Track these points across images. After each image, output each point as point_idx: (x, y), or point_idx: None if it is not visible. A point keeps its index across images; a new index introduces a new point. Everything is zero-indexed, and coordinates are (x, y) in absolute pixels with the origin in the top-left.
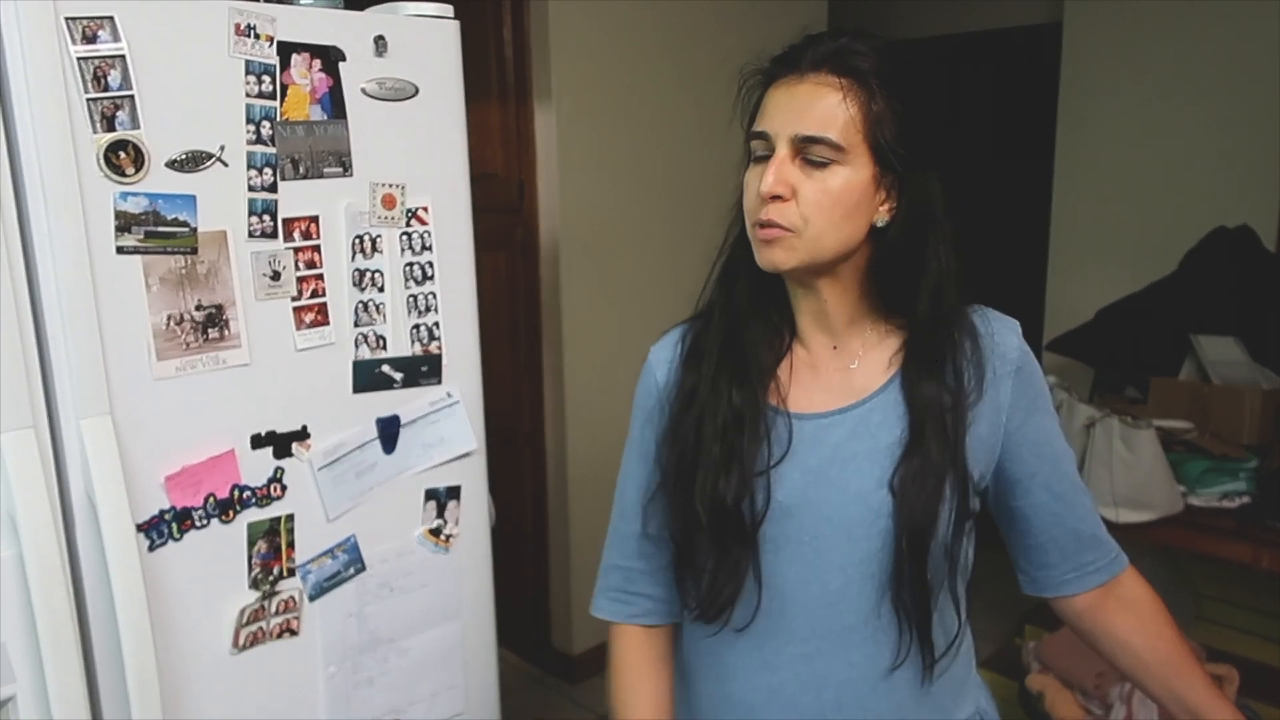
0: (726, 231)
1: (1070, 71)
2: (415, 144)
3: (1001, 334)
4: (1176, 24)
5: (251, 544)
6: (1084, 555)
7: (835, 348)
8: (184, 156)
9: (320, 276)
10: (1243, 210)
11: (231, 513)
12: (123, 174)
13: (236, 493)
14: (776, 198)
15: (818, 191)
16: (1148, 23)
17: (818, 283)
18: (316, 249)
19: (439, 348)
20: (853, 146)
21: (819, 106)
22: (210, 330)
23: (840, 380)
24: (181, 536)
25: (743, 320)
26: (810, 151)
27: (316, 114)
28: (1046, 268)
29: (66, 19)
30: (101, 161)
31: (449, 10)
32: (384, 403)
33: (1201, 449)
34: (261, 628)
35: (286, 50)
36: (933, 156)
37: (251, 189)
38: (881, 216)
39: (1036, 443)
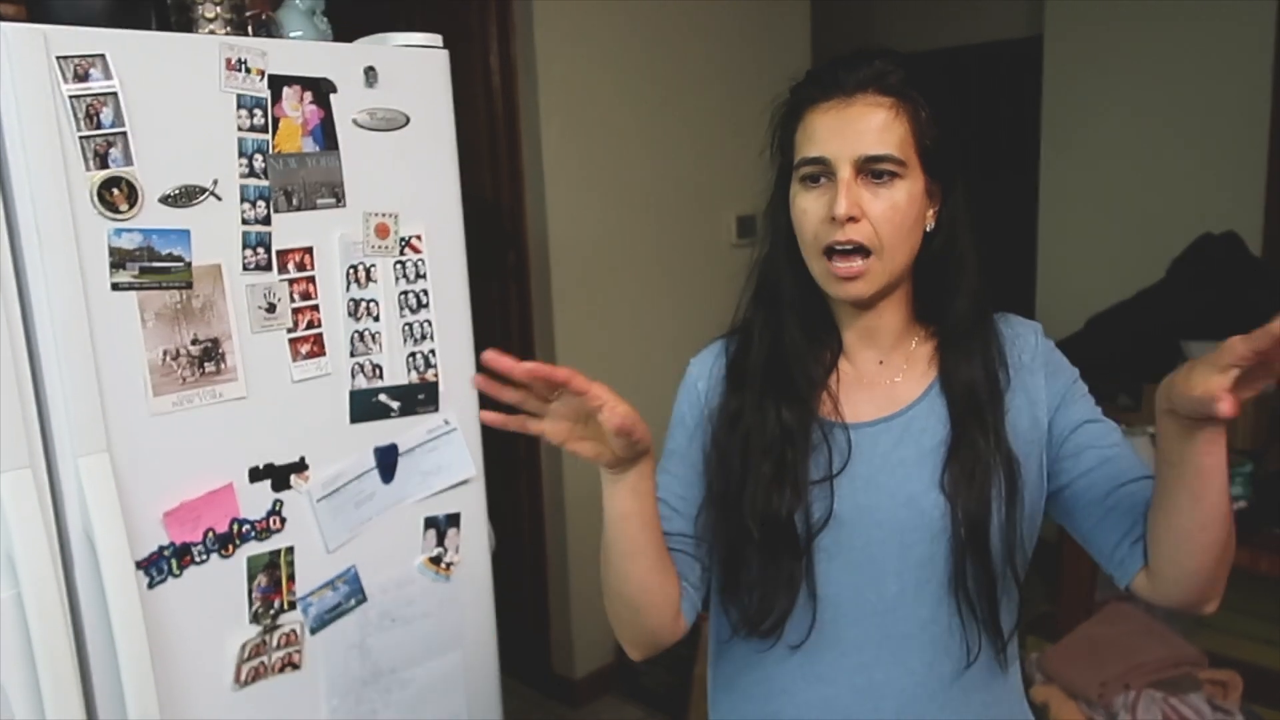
0: (759, 249)
1: (1053, 84)
2: (407, 173)
3: (1025, 334)
4: (1158, 33)
5: (252, 578)
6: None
7: (881, 362)
8: (177, 191)
9: (315, 307)
10: (1228, 217)
11: (231, 547)
12: (116, 210)
13: (236, 527)
14: (851, 219)
15: (887, 208)
16: (1129, 33)
17: (879, 301)
18: (311, 280)
19: (435, 375)
20: (909, 160)
21: (875, 126)
22: (207, 364)
23: (884, 392)
24: (181, 573)
25: (789, 341)
26: (874, 170)
27: (309, 146)
28: (1035, 279)
29: (58, 58)
30: (95, 199)
31: (438, 40)
32: (382, 432)
33: None
34: (263, 662)
35: (277, 83)
36: (963, 160)
37: (245, 222)
38: (929, 223)
39: (1069, 408)
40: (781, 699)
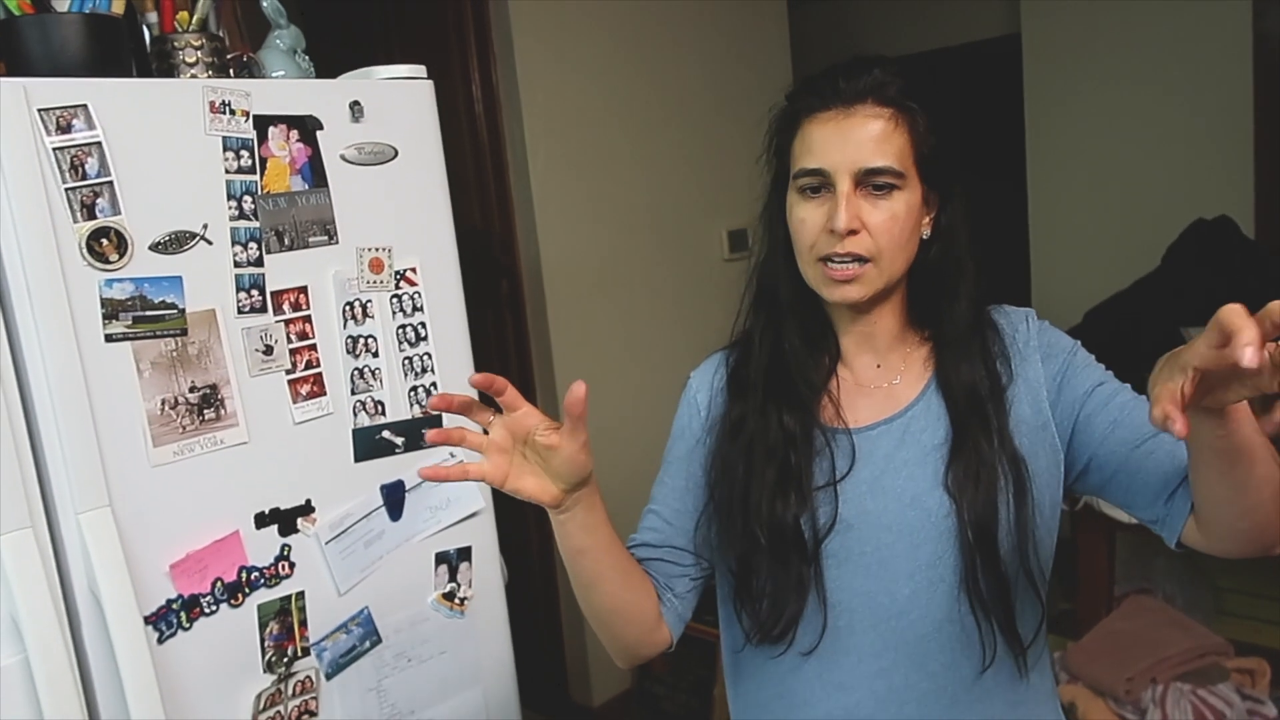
0: (754, 260)
1: (1033, 80)
2: (399, 206)
3: (1019, 322)
4: (1135, 23)
5: (263, 626)
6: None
7: (879, 366)
8: (167, 238)
9: (313, 347)
10: (1220, 201)
11: (240, 596)
12: (106, 261)
13: (244, 574)
14: (851, 232)
15: (887, 219)
16: (1106, 24)
17: (875, 307)
18: (307, 319)
19: None
20: (908, 170)
21: (874, 137)
22: (206, 411)
23: (883, 395)
24: (191, 625)
25: (789, 347)
26: (873, 182)
27: (297, 184)
28: (1029, 275)
29: (40, 110)
30: (84, 250)
31: (422, 71)
32: (387, 469)
33: None
34: (279, 712)
35: (263, 123)
36: (960, 167)
37: (238, 265)
38: (926, 230)
39: (1072, 383)
40: (803, 710)
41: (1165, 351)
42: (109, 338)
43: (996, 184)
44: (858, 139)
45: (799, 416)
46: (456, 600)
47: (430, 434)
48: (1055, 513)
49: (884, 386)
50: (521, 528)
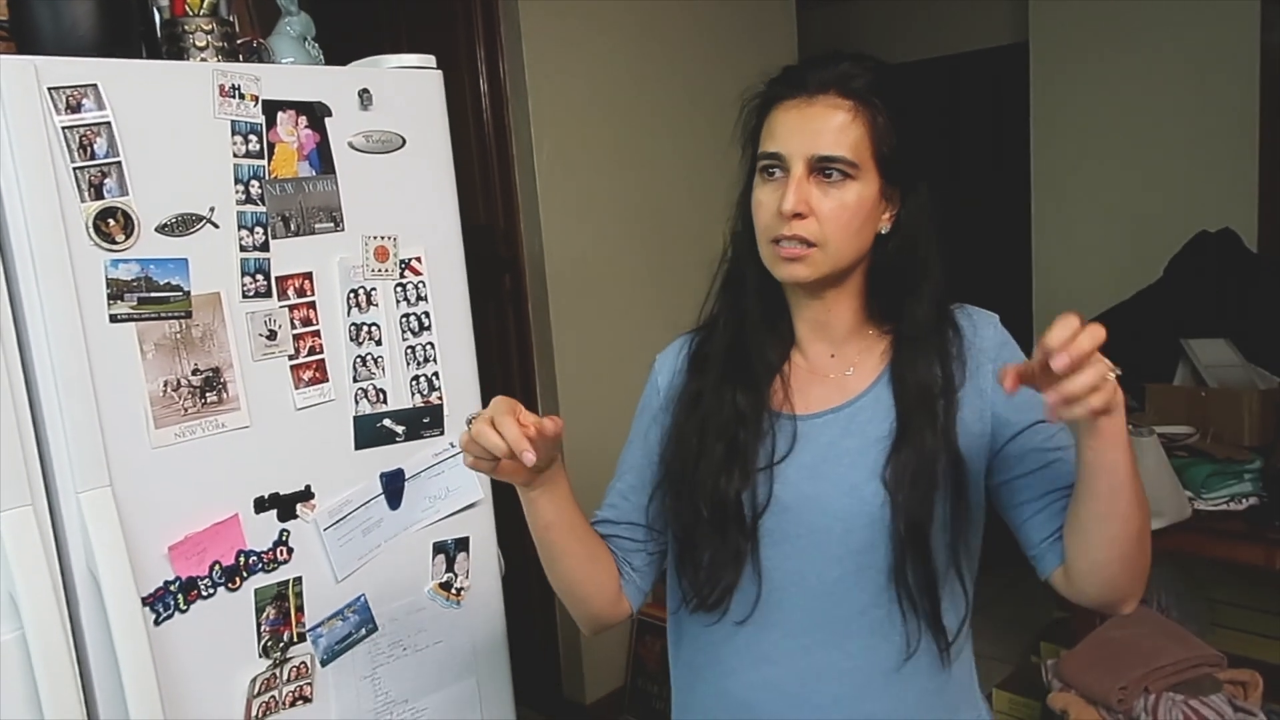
0: (726, 245)
1: (1040, 89)
2: (405, 195)
3: (982, 326)
4: (1142, 34)
5: (260, 611)
6: None
7: (833, 355)
8: (174, 220)
9: (317, 333)
10: (1223, 213)
11: (238, 579)
12: (113, 241)
13: (242, 559)
14: (798, 215)
15: (836, 207)
16: (1114, 34)
17: (827, 293)
18: (311, 305)
19: (440, 398)
20: (863, 163)
21: (832, 127)
22: (208, 394)
23: (835, 384)
24: (188, 607)
25: (750, 328)
26: (826, 170)
27: (305, 170)
28: (1031, 283)
29: (50, 89)
30: (91, 230)
31: (431, 61)
32: (387, 457)
33: (1204, 453)
34: (274, 697)
35: (272, 108)
36: (926, 167)
37: (243, 249)
38: (884, 225)
39: (1020, 407)
40: (731, 678)
41: (1166, 364)
42: (113, 318)
43: (1001, 187)
44: (815, 127)
45: (751, 397)
46: (453, 590)
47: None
48: (982, 514)
49: (837, 376)
50: (520, 521)
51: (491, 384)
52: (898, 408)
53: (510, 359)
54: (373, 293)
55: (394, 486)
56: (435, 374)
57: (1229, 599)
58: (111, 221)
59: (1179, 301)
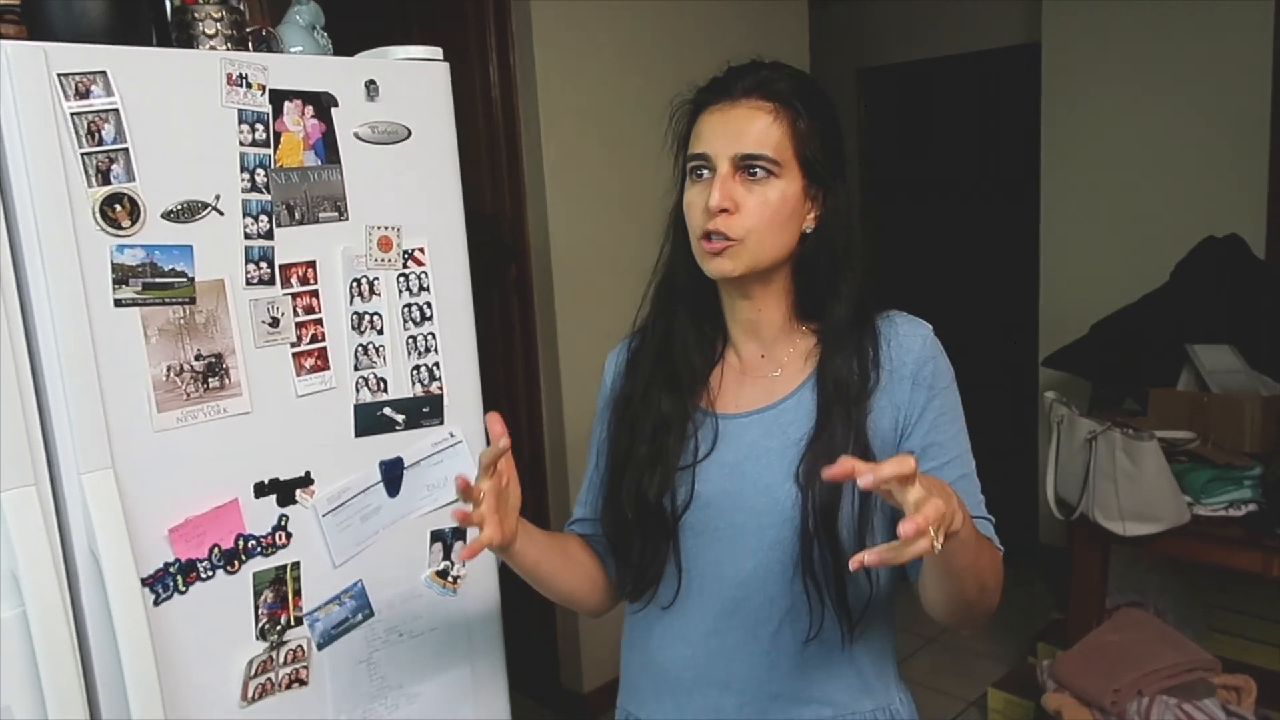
0: (660, 250)
1: (1051, 90)
2: (410, 186)
3: (907, 337)
4: (1154, 35)
5: (258, 594)
6: None
7: (764, 356)
8: (180, 207)
9: (319, 321)
10: (1232, 219)
11: (237, 563)
12: (119, 227)
13: (241, 542)
14: (723, 211)
15: (759, 204)
16: (1127, 38)
17: (755, 291)
18: (314, 294)
19: (440, 388)
20: (786, 161)
21: (754, 127)
22: (210, 379)
23: (764, 385)
24: (187, 589)
25: (678, 332)
26: (750, 168)
27: (310, 160)
28: (1038, 285)
29: (59, 75)
30: (97, 215)
31: (438, 53)
32: (387, 445)
33: (1204, 458)
34: (270, 679)
35: (278, 98)
36: (845, 167)
37: (248, 236)
38: (809, 224)
39: (925, 430)
40: (656, 653)
41: (1169, 368)
42: (118, 302)
43: (1009, 188)
44: (740, 128)
45: (676, 401)
46: (450, 578)
47: (458, 516)
48: (889, 512)
49: (766, 377)
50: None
51: (493, 374)
52: (817, 409)
53: (514, 348)
54: (375, 282)
55: (393, 474)
56: (436, 364)
57: (1225, 604)
58: (118, 207)
59: (1185, 306)
